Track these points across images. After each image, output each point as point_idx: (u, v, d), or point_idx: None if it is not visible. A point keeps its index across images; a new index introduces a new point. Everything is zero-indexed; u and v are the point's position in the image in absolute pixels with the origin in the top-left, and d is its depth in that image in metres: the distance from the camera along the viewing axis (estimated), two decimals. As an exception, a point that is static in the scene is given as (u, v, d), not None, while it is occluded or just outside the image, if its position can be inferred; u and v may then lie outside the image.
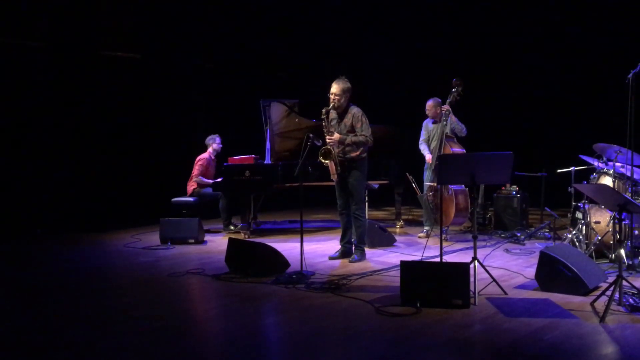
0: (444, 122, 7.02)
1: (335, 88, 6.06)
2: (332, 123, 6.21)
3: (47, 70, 8.96)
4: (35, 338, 4.07)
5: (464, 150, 7.11)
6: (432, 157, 7.24)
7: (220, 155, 8.51)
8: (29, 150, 8.67)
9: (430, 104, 7.42)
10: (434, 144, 7.25)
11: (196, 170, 8.34)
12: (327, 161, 6.07)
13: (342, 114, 6.17)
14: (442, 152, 6.94)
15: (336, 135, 6.08)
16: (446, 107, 7.00)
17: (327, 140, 6.08)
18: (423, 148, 7.51)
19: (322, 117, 6.08)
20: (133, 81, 9.67)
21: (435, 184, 7.18)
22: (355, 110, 6.14)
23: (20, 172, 8.53)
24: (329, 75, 6.21)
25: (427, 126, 7.53)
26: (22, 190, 8.52)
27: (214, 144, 8.50)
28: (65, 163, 9.00)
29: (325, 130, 6.10)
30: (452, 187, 7.05)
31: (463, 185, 7.12)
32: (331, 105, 6.07)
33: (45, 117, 8.89)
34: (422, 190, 7.52)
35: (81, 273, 6.06)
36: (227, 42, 10.60)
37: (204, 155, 8.44)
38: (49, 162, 8.83)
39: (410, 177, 7.69)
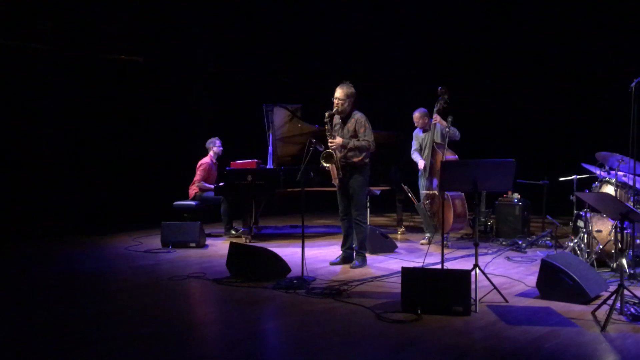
0: (447, 130, 7.02)
1: (339, 93, 6.07)
2: (336, 128, 6.21)
3: (50, 73, 8.96)
4: (34, 340, 4.06)
5: (457, 157, 7.13)
6: (425, 165, 7.27)
7: (222, 160, 8.51)
8: (31, 152, 8.66)
9: (416, 115, 7.46)
10: (426, 152, 7.28)
11: (198, 175, 8.33)
12: (328, 164, 6.07)
13: (345, 118, 6.17)
14: (435, 160, 7.01)
15: (338, 139, 6.08)
16: (437, 117, 7.02)
17: (329, 144, 6.08)
18: (415, 157, 7.53)
19: (325, 120, 6.08)
20: (135, 84, 9.68)
21: (431, 192, 7.19)
22: (358, 116, 6.14)
23: (22, 174, 8.53)
24: (334, 80, 6.21)
25: (418, 135, 7.57)
26: (23, 192, 8.51)
27: (214, 147, 8.50)
28: (68, 165, 9.01)
29: (328, 134, 6.10)
30: (449, 193, 7.06)
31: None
32: (335, 109, 6.08)
33: (48, 120, 8.90)
34: (418, 198, 7.52)
35: (82, 275, 6.06)
36: (230, 46, 10.62)
37: (206, 159, 8.44)
38: (51, 165, 8.83)
39: (405, 187, 7.70)
